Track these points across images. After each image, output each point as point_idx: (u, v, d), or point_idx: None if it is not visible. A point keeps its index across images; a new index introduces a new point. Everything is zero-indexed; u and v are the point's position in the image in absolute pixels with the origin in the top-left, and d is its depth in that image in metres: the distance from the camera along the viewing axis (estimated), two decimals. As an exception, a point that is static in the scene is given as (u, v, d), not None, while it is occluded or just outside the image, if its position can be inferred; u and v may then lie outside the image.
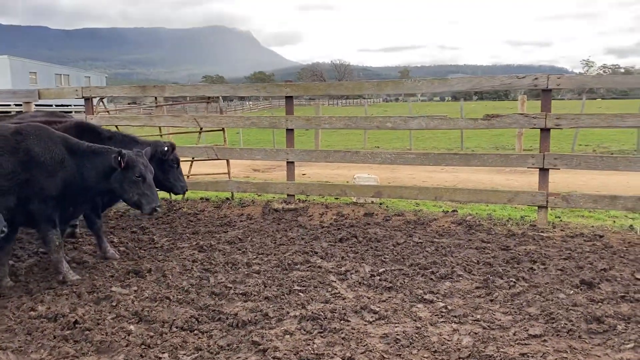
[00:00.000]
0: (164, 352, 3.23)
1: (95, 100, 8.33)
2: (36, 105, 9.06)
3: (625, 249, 5.30)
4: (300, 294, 4.19)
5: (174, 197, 7.79)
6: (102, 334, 3.43)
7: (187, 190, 5.81)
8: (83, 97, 8.03)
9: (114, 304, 3.97)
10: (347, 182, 8.64)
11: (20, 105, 9.64)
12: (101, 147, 4.59)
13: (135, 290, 4.26)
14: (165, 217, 6.90)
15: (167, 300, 4.03)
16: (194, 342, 3.35)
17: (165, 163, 5.47)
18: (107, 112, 9.38)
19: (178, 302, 4.02)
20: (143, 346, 3.30)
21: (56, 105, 27.38)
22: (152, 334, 3.46)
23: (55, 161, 4.35)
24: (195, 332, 3.51)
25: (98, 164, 4.44)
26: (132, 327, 3.57)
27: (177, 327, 3.55)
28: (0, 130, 4.39)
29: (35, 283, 4.46)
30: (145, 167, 4.50)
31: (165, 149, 5.43)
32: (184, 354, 3.22)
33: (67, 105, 28.60)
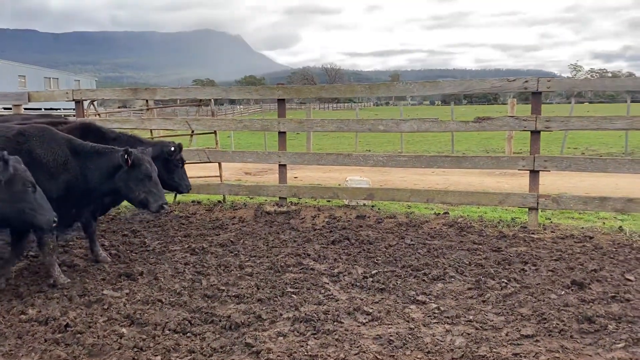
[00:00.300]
0: (156, 355, 3.21)
1: (85, 103, 8.28)
2: (25, 108, 8.99)
3: (614, 250, 5.35)
4: (293, 295, 4.18)
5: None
6: (94, 337, 3.40)
7: (191, 189, 5.86)
8: (74, 100, 7.99)
9: (105, 307, 3.94)
10: (339, 185, 8.65)
11: (9, 108, 9.57)
12: (105, 147, 4.56)
13: (127, 293, 4.24)
14: (157, 220, 6.87)
15: (160, 303, 4.01)
16: (186, 345, 3.33)
17: (170, 163, 5.53)
18: (98, 115, 9.33)
19: (170, 304, 4.00)
20: (135, 349, 3.28)
21: (45, 109, 27.17)
22: (144, 336, 3.44)
23: (58, 163, 4.31)
24: (188, 334, 3.50)
25: (102, 165, 4.41)
26: (124, 330, 3.55)
27: (169, 330, 3.54)
28: (3, 131, 4.35)
29: (25, 286, 4.41)
30: (151, 165, 4.49)
31: (172, 149, 5.48)
32: (177, 357, 3.21)
33: (57, 109, 28.38)
